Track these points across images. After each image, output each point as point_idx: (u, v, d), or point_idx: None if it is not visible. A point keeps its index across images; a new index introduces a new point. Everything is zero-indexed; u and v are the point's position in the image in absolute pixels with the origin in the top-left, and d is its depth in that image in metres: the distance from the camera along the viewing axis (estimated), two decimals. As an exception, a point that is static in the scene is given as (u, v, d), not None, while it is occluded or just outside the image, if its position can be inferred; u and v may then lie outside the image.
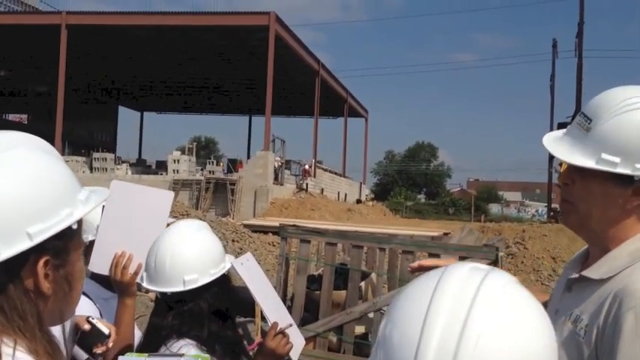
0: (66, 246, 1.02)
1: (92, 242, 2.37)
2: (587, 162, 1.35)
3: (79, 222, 1.04)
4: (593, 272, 1.38)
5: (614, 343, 1.25)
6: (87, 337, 1.93)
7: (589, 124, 1.37)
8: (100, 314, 2.36)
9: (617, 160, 1.32)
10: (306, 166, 31.62)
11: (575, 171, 1.39)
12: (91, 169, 27.68)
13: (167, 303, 2.08)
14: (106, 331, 1.88)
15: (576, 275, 1.42)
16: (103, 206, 2.36)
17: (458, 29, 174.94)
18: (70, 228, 1.01)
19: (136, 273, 2.19)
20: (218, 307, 2.04)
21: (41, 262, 0.98)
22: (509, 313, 0.78)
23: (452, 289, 0.80)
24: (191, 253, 2.06)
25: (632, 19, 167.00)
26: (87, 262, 2.34)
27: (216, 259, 2.09)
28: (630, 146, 1.32)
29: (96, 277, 2.40)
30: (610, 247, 1.38)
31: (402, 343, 0.78)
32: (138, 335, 2.34)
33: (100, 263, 2.27)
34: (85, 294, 2.36)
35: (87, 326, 1.91)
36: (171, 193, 2.45)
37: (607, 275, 1.35)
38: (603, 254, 1.39)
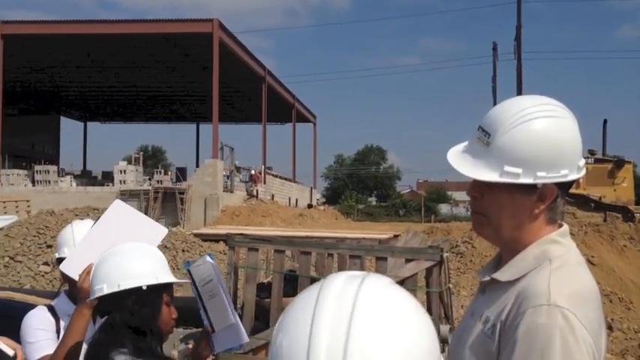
0: None
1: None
2: (491, 176, 1.41)
3: None
4: (502, 275, 1.44)
5: (513, 339, 1.32)
6: None
7: (488, 138, 1.43)
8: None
9: (518, 171, 1.39)
10: (252, 172, 31.43)
11: (482, 184, 1.45)
12: (33, 182, 26.84)
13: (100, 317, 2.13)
14: (10, 352, 1.81)
15: (488, 278, 1.48)
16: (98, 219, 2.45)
17: (403, 34, 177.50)
18: None
19: None
20: (135, 322, 2.04)
21: None
22: (389, 314, 0.84)
23: (332, 297, 0.85)
24: (105, 265, 2.09)
25: (567, 22, 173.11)
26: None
27: (133, 272, 2.08)
28: (529, 156, 1.38)
29: (70, 295, 2.47)
30: (519, 251, 1.45)
31: (292, 351, 0.83)
32: None
33: (72, 266, 2.32)
34: (52, 310, 2.47)
35: None
36: (165, 230, 2.52)
37: (514, 277, 1.42)
38: (513, 257, 1.45)
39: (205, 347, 2.22)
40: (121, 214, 2.41)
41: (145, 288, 2.06)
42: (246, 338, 2.26)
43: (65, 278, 2.45)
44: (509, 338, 1.33)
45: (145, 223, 2.45)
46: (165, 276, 2.11)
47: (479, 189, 1.47)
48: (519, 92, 28.04)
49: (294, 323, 0.85)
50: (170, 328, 2.15)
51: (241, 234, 6.37)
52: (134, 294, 2.05)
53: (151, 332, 2.05)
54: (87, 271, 2.25)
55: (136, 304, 2.04)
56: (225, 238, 6.50)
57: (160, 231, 2.46)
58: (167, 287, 2.14)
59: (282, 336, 0.86)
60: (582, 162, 1.45)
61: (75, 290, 2.31)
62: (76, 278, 2.29)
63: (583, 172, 1.45)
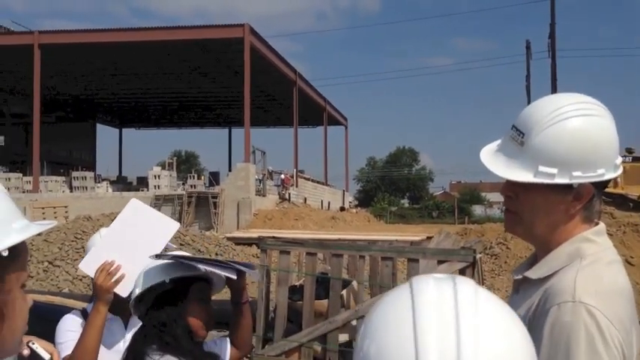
0: (2, 275, 1.02)
1: None
2: (525, 176, 1.39)
3: (17, 251, 1.03)
4: (534, 273, 1.43)
5: (539, 337, 1.30)
6: None
7: (522, 137, 1.41)
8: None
9: (554, 171, 1.36)
10: (282, 176, 31.48)
11: (516, 184, 1.43)
12: (70, 188, 27.43)
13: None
14: (46, 356, 1.84)
15: (520, 277, 1.46)
16: None
17: (433, 34, 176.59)
18: (7, 257, 1.00)
19: (116, 281, 2.29)
20: (163, 316, 2.11)
21: None
22: (493, 319, 0.83)
23: (431, 303, 0.82)
24: (142, 272, 2.19)
25: (602, 18, 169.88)
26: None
27: (160, 270, 2.15)
28: (565, 156, 1.36)
29: None
30: (552, 249, 1.42)
31: None
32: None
33: (89, 264, 2.38)
34: (84, 313, 2.53)
35: (26, 351, 1.91)
36: (177, 224, 2.58)
37: (545, 274, 1.39)
38: (547, 255, 1.43)
39: (241, 280, 2.22)
40: (137, 212, 2.48)
41: (167, 281, 2.12)
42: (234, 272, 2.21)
43: None
44: (535, 336, 1.31)
45: (159, 219, 2.51)
46: (190, 271, 2.16)
47: (513, 189, 1.45)
48: (554, 91, 27.57)
49: (389, 333, 0.82)
50: (202, 323, 2.17)
51: (273, 237, 6.41)
52: (160, 289, 2.13)
53: (175, 324, 2.10)
54: (102, 268, 2.30)
55: (161, 300, 2.12)
56: (258, 242, 6.54)
57: (171, 225, 2.52)
58: (196, 283, 2.17)
59: (377, 347, 0.82)
60: (619, 160, 1.42)
61: (95, 287, 2.36)
62: (93, 275, 2.34)
63: (620, 170, 1.42)
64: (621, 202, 18.83)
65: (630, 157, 22.01)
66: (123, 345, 2.50)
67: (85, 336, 2.22)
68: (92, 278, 2.39)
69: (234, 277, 2.16)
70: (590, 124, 1.37)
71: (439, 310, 0.81)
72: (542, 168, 1.36)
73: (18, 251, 1.04)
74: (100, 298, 2.27)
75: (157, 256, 2.19)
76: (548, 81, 28.54)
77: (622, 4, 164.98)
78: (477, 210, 65.24)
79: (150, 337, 2.10)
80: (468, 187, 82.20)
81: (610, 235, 1.45)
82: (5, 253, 1.00)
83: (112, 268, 2.29)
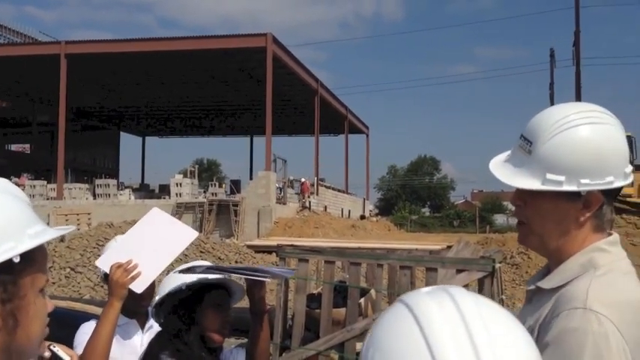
0: (15, 280, 1.01)
1: None
2: (533, 184, 1.40)
3: (32, 256, 1.03)
4: (546, 283, 1.42)
5: (545, 342, 1.29)
6: None
7: (530, 146, 1.42)
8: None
9: (561, 178, 1.37)
10: (302, 180, 31.40)
11: (525, 192, 1.44)
12: (94, 195, 27.77)
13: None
14: (66, 358, 1.87)
15: (533, 287, 1.46)
16: None
17: (457, 42, 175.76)
18: (20, 262, 1.00)
19: (132, 278, 2.29)
20: (178, 323, 2.18)
21: None
22: (503, 323, 0.83)
23: (438, 321, 0.81)
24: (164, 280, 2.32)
25: (628, 26, 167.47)
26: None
27: (179, 278, 2.21)
28: (572, 163, 1.36)
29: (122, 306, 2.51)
30: (565, 259, 1.41)
31: None
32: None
33: (105, 261, 2.43)
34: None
35: (47, 353, 1.93)
36: (195, 233, 2.62)
37: (557, 284, 1.39)
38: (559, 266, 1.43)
39: (258, 287, 2.21)
40: (157, 219, 2.54)
41: (184, 287, 2.16)
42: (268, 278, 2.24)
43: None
44: (541, 342, 1.30)
45: (178, 227, 2.56)
46: (207, 277, 2.18)
47: (522, 197, 1.45)
48: (578, 99, 27.29)
49: (404, 354, 0.80)
50: (217, 330, 2.19)
51: (292, 245, 6.43)
52: (178, 296, 2.17)
53: (188, 331, 2.14)
54: (118, 265, 2.32)
55: (178, 306, 2.17)
56: (277, 250, 6.57)
57: (190, 234, 2.57)
58: (213, 290, 2.21)
59: None
60: (629, 169, 1.41)
61: (110, 282, 2.35)
62: (108, 271, 2.36)
63: (630, 178, 1.41)
64: (646, 212, 18.48)
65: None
66: (140, 347, 2.55)
67: (97, 329, 2.23)
68: (107, 275, 2.42)
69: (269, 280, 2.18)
70: (597, 132, 1.37)
71: (451, 329, 0.79)
72: (549, 176, 1.37)
73: (34, 256, 1.03)
74: (114, 294, 2.28)
75: (188, 270, 2.19)
76: (573, 89, 28.26)
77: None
78: (499, 219, 64.55)
79: (164, 343, 2.13)
80: (489, 196, 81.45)
81: (634, 245, 1.42)
82: (17, 260, 1.00)
83: (129, 266, 2.32)
